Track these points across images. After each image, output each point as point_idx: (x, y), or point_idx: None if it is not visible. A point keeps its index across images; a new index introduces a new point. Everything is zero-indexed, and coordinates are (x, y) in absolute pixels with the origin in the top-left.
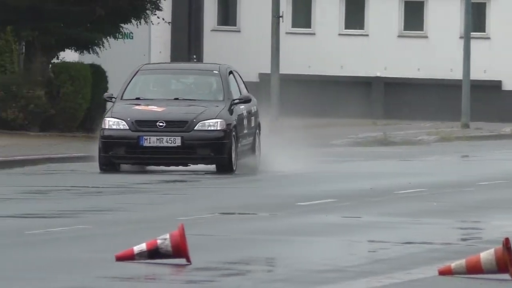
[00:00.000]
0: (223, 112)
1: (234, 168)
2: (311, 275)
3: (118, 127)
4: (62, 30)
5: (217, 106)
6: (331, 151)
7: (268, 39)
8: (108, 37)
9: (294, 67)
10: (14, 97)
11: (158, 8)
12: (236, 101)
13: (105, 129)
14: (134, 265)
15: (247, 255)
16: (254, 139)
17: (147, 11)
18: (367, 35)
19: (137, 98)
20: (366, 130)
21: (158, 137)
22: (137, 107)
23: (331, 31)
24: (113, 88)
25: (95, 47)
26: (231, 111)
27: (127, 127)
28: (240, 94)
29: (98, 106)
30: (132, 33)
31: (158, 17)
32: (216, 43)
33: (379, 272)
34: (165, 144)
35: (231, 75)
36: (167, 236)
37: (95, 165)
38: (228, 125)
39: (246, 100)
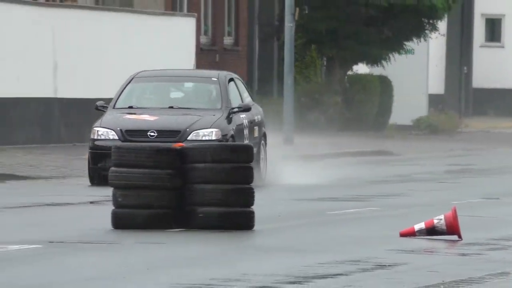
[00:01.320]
0: (219, 121)
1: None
2: None
3: (107, 137)
4: (355, 48)
5: (214, 115)
6: None
7: None
8: (393, 53)
9: None
10: (316, 102)
11: (435, 29)
12: (235, 109)
13: (93, 139)
14: (415, 241)
15: (510, 233)
16: (258, 150)
17: (426, 31)
18: None
19: (130, 107)
20: None
21: None
22: (128, 116)
23: None
24: (398, 94)
25: (383, 61)
26: (229, 120)
27: (117, 137)
28: (242, 102)
29: (385, 111)
30: (413, 49)
31: (438, 33)
32: (483, 58)
33: None
34: None
35: (231, 82)
36: (442, 216)
37: (381, 158)
38: (224, 135)
39: (246, 109)
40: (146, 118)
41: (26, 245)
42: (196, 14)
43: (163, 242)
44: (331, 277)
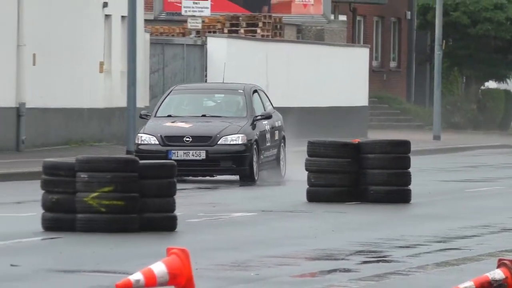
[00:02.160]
0: (245, 128)
1: (256, 178)
2: None
3: (149, 142)
4: (487, 69)
5: (240, 122)
6: None
7: None
8: None
9: None
10: (457, 109)
11: None
12: (258, 117)
13: (137, 144)
14: None
15: None
16: (279, 151)
17: None
18: None
19: (169, 116)
20: None
21: (185, 151)
22: (167, 123)
23: None
24: None
25: (507, 79)
26: (253, 126)
27: (157, 142)
28: (265, 110)
29: (508, 115)
30: None
31: None
32: None
33: None
34: (191, 158)
35: (255, 93)
36: None
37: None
38: (249, 140)
39: (268, 116)
40: (182, 125)
41: (245, 213)
42: (369, 45)
43: (344, 211)
44: (468, 238)
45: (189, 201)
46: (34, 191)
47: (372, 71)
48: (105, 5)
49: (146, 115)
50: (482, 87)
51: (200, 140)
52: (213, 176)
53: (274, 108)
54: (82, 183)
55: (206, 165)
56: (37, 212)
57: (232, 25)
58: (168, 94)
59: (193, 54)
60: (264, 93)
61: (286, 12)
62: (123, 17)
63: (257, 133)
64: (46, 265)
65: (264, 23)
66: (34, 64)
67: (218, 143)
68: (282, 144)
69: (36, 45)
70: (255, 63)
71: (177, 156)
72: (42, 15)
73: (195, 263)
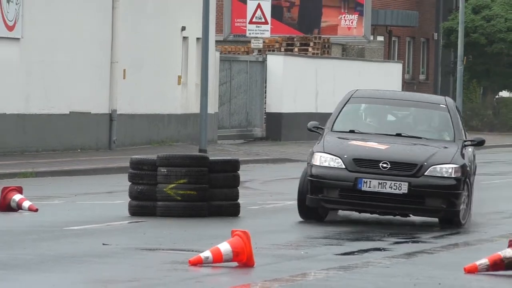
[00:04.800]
0: (457, 156)
1: (463, 222)
2: None
3: (332, 165)
4: (501, 81)
5: (448, 148)
6: None
7: None
8: None
9: None
10: (476, 114)
11: None
12: (467, 142)
13: (315, 165)
14: None
15: None
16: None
17: None
18: None
19: (351, 131)
20: None
21: (380, 181)
22: (354, 142)
23: None
24: None
25: None
26: (463, 155)
27: (343, 166)
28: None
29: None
30: None
31: None
32: None
33: None
34: (388, 190)
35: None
36: None
37: None
38: (463, 172)
39: (479, 142)
40: (376, 146)
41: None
42: (402, 61)
43: None
44: (483, 222)
45: (250, 191)
46: (122, 182)
47: (405, 83)
48: (183, 28)
49: (317, 128)
50: (497, 96)
51: (402, 168)
52: (408, 216)
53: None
54: (162, 176)
55: (406, 202)
56: (124, 200)
57: (288, 44)
58: (346, 102)
59: (255, 69)
60: (457, 109)
61: (333, 33)
62: (197, 38)
63: (469, 164)
64: (132, 244)
65: (314, 43)
66: (124, 78)
67: (426, 174)
68: (467, 182)
69: (126, 62)
70: (307, 77)
71: (370, 187)
72: (131, 37)
73: (255, 243)
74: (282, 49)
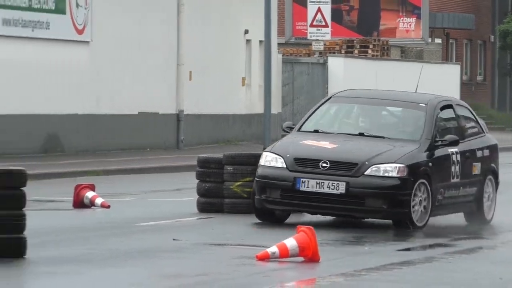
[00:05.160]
0: (408, 156)
1: (420, 224)
2: None
3: (274, 165)
4: None
5: (404, 147)
6: None
7: None
8: None
9: None
10: None
11: None
12: (439, 142)
13: (261, 165)
14: None
15: None
16: (481, 188)
17: None
18: None
19: (315, 131)
20: None
21: (318, 181)
22: (306, 141)
23: None
24: None
25: None
26: (427, 155)
27: (285, 166)
28: (466, 133)
29: None
30: None
31: None
32: None
33: None
34: (326, 190)
35: (447, 110)
36: None
37: None
38: (411, 172)
39: (452, 142)
40: (323, 145)
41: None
42: (460, 62)
43: None
44: None
45: None
46: (190, 180)
47: (463, 84)
48: (246, 32)
49: (290, 128)
50: None
51: (341, 168)
52: (356, 218)
53: (484, 131)
54: (228, 174)
55: (345, 203)
56: (193, 197)
57: (348, 47)
58: (324, 103)
59: (316, 70)
60: (468, 109)
61: (391, 36)
62: (260, 41)
63: (430, 165)
64: (201, 239)
65: (374, 45)
66: (190, 79)
67: (366, 173)
68: (487, 179)
69: (192, 64)
70: (367, 78)
71: (307, 187)
72: (196, 41)
73: (320, 239)
74: (342, 51)
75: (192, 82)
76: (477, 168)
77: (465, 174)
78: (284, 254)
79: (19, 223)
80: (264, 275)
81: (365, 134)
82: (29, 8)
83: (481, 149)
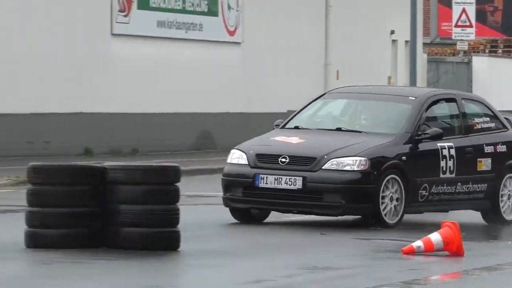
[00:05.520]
0: (376, 149)
1: (392, 222)
2: None
3: (237, 162)
4: None
5: (378, 140)
6: None
7: None
8: None
9: None
10: None
11: None
12: (421, 136)
13: (227, 163)
14: None
15: None
16: (494, 187)
17: None
18: None
19: (296, 127)
20: None
21: (276, 177)
22: (276, 137)
23: None
24: None
25: None
26: (405, 148)
27: (246, 162)
28: (471, 128)
29: None
30: None
31: None
32: None
33: None
34: (284, 186)
35: (444, 104)
36: None
37: None
38: (374, 165)
39: (435, 136)
40: (291, 141)
41: None
42: None
43: None
44: None
45: None
46: None
47: None
48: (392, 32)
49: (278, 126)
50: None
51: (299, 162)
52: (316, 215)
53: (507, 126)
54: None
55: (303, 198)
56: None
57: (492, 46)
58: (316, 99)
59: (461, 70)
60: (486, 105)
61: None
62: (406, 41)
63: (403, 157)
64: (347, 234)
65: None
66: (337, 79)
67: (323, 167)
68: (510, 176)
69: (339, 64)
70: (511, 77)
71: (266, 183)
72: (344, 41)
73: (463, 234)
74: (486, 51)
75: (339, 81)
76: (484, 164)
77: (464, 170)
78: (429, 248)
79: (173, 217)
80: (409, 268)
81: (343, 129)
82: (183, 11)
83: (493, 144)
